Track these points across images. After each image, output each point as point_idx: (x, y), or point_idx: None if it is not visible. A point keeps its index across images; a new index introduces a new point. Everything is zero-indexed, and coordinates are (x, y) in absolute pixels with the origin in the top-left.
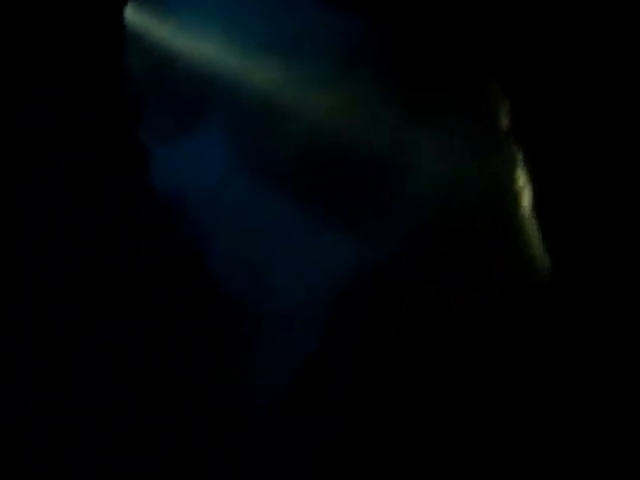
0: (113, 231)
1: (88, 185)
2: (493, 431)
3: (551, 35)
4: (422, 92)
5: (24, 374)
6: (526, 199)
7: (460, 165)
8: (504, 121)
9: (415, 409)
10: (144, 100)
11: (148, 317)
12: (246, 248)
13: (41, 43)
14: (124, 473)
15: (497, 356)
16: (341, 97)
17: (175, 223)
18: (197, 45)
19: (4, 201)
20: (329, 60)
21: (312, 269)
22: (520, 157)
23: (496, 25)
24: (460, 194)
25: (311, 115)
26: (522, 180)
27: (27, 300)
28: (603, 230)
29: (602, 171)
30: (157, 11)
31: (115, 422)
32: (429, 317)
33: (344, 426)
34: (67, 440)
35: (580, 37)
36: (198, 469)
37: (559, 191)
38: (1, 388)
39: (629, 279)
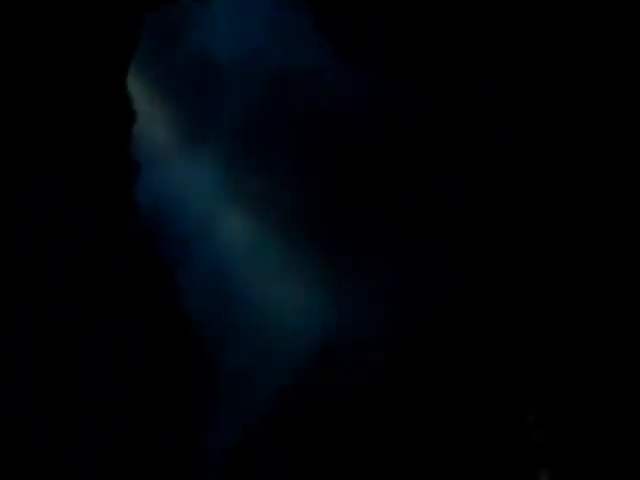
0: (113, 231)
1: (88, 185)
2: None
3: None
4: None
5: (24, 374)
6: None
7: None
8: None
9: None
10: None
11: (148, 317)
12: (218, 281)
13: (41, 43)
14: (124, 473)
15: None
16: None
17: (152, 240)
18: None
19: (4, 201)
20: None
21: (279, 324)
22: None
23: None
24: None
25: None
26: None
27: (27, 300)
28: None
29: None
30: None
31: (115, 422)
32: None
33: None
34: (67, 440)
35: None
36: (198, 469)
37: None
38: (1, 388)
39: None
